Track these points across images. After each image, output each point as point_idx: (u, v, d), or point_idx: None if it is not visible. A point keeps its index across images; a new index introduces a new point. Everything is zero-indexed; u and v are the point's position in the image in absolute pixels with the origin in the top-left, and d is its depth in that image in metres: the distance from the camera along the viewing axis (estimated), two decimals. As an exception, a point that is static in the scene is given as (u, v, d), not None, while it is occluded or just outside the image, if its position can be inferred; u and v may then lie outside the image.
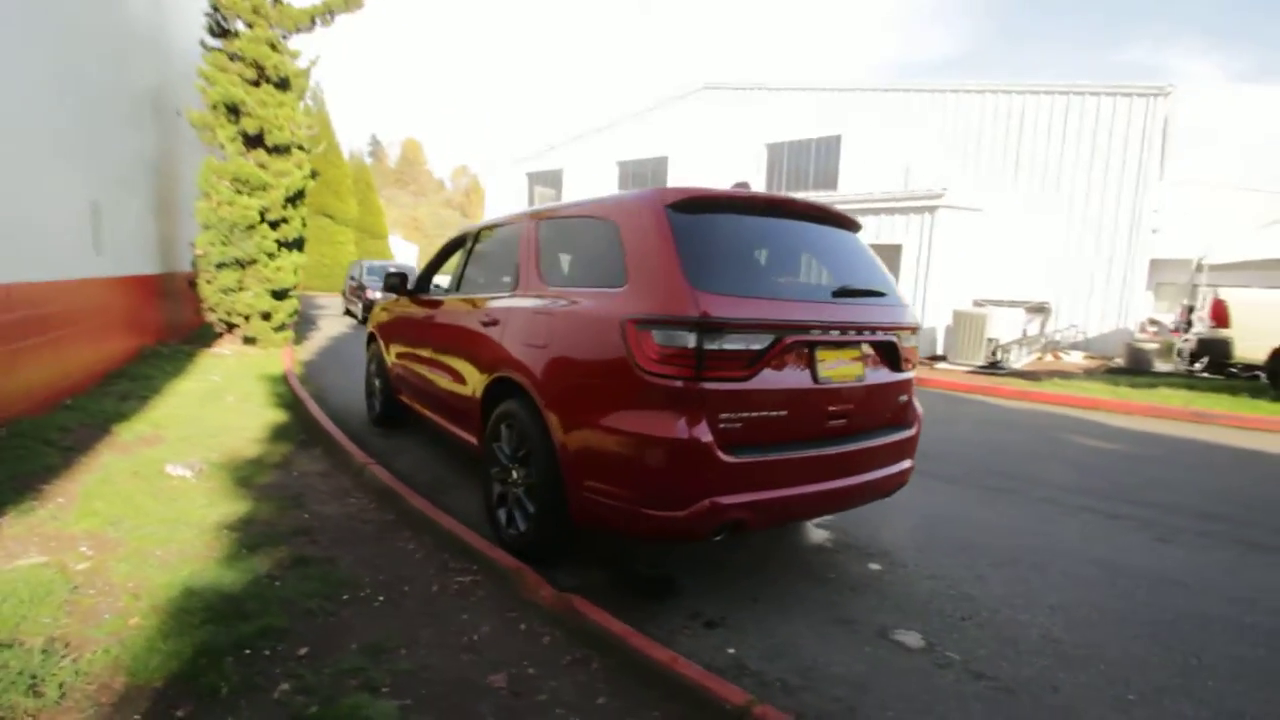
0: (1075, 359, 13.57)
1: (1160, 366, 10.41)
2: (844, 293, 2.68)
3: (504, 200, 26.42)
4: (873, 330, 2.72)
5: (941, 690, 2.15)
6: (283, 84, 8.25)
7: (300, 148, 8.64)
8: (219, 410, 5.41)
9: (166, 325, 8.15)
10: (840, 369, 2.61)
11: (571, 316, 2.64)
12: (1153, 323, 15.91)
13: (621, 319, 2.37)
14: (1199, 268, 15.27)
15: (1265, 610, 2.80)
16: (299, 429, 5.04)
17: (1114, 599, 2.86)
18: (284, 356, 8.37)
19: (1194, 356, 8.17)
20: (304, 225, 9.05)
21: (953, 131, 15.65)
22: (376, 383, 5.43)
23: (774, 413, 2.43)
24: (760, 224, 2.66)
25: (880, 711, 2.03)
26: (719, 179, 19.74)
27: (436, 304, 4.16)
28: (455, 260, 4.32)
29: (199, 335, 9.00)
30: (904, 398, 3.01)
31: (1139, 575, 3.11)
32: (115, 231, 6.33)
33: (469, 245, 4.03)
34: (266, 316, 8.69)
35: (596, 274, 2.80)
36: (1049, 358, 13.45)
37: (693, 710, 1.87)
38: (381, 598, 2.46)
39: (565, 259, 3.05)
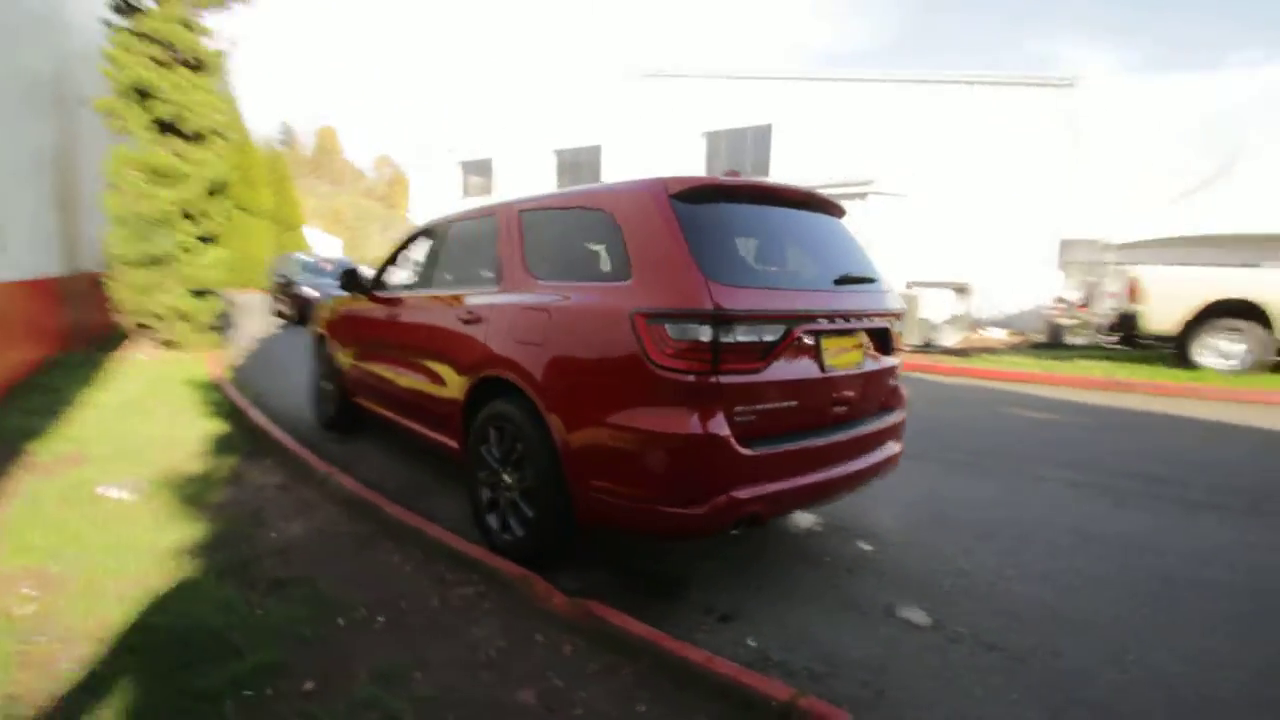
0: (998, 336, 14.40)
1: (1076, 340, 11.18)
2: (844, 280, 2.69)
3: (435, 191, 25.50)
4: (869, 317, 2.74)
5: (958, 665, 2.20)
6: (198, 66, 7.57)
7: (219, 135, 7.98)
8: (145, 422, 4.94)
9: (73, 331, 7.39)
10: (843, 357, 2.62)
11: (572, 312, 2.52)
12: (1060, 300, 17.08)
13: (630, 313, 2.28)
14: (1105, 247, 16.46)
15: (1221, 566, 3.02)
16: (243, 439, 4.67)
17: (1092, 564, 3.02)
18: (209, 361, 7.76)
19: (1112, 330, 8.79)
20: (228, 219, 8.39)
21: (880, 120, 16.20)
22: (326, 386, 5.10)
23: (785, 403, 2.41)
24: (759, 212, 2.62)
25: (906, 691, 2.05)
26: (658, 168, 19.72)
27: (402, 302, 3.92)
28: (420, 255, 4.08)
29: (110, 340, 8.21)
30: (893, 381, 3.07)
31: (1108, 541, 3.29)
32: (7, 230, 5.65)
33: (438, 239, 3.81)
34: (187, 318, 8.03)
35: (594, 267, 2.69)
36: (974, 335, 14.22)
37: (736, 709, 1.83)
38: (381, 618, 2.28)
39: (554, 252, 2.91)
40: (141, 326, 7.78)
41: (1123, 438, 5.53)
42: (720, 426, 2.21)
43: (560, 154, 22.28)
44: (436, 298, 3.54)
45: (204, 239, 8.04)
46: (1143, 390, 7.26)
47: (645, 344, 2.23)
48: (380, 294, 4.34)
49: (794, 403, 2.44)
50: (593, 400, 2.40)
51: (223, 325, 9.69)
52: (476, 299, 3.12)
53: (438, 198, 25.31)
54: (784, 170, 17.48)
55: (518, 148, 23.11)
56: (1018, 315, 15.38)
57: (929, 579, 2.84)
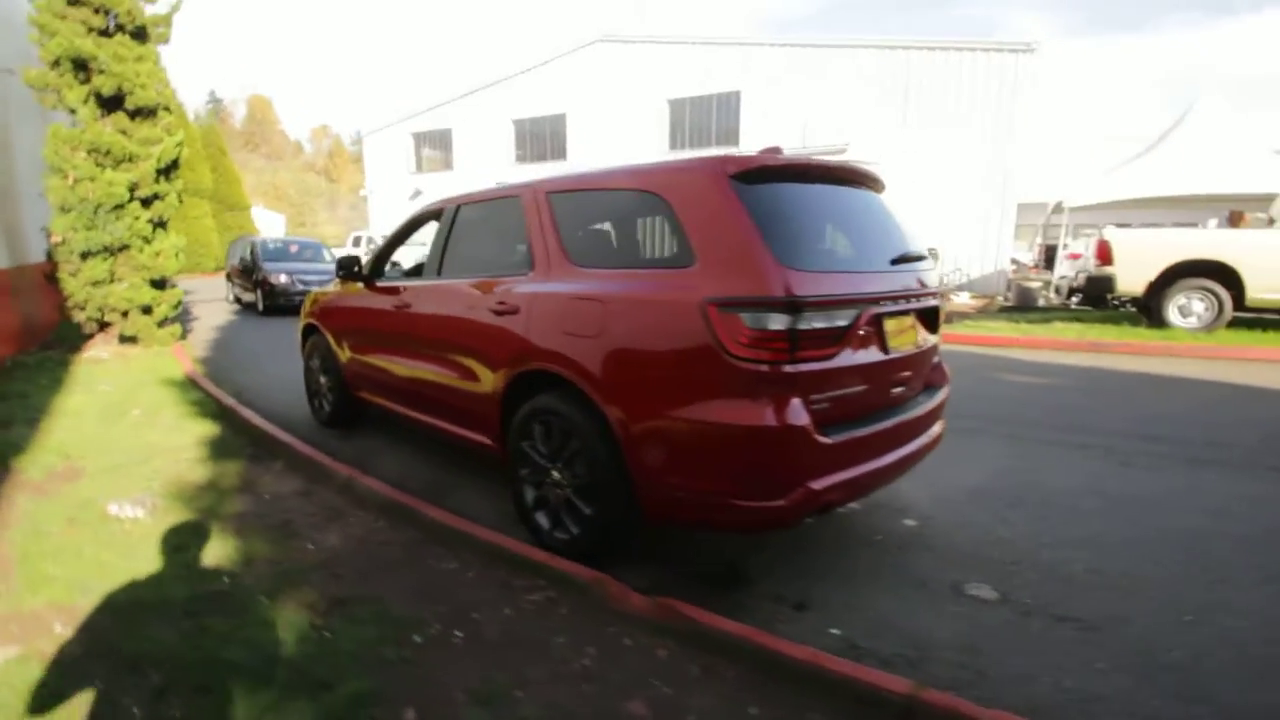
0: (964, 299, 14.80)
1: (1043, 302, 11.56)
2: (899, 260, 2.65)
3: (387, 163, 24.48)
4: (921, 297, 2.72)
5: (1040, 639, 2.25)
6: (139, 34, 6.95)
7: (167, 109, 7.39)
8: (130, 428, 4.64)
9: (23, 330, 6.84)
10: (901, 337, 2.60)
11: (631, 302, 2.41)
12: (1014, 262, 17.63)
13: (701, 302, 2.19)
14: (1058, 209, 17.00)
15: (1238, 520, 3.17)
16: (241, 441, 4.42)
17: (1120, 526, 3.13)
18: (177, 355, 7.33)
19: (1078, 291, 9.11)
20: (180, 201, 7.84)
21: (850, 86, 16.19)
22: (322, 380, 4.86)
23: (854, 389, 2.38)
24: (814, 191, 2.54)
25: (1002, 670, 2.08)
26: (621, 136, 19.35)
27: (411, 291, 3.72)
28: (422, 241, 3.88)
29: (64, 337, 7.65)
30: (937, 359, 3.07)
31: (1128, 500, 3.42)
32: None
33: (448, 222, 3.60)
34: (148, 310, 7.53)
35: (644, 253, 2.59)
36: (945, 301, 14.58)
37: (854, 706, 1.82)
38: (458, 633, 2.19)
39: (595, 237, 2.79)
40: (98, 322, 7.27)
41: (1115, 399, 5.75)
42: (800, 416, 2.17)
43: (519, 123, 21.61)
44: (456, 287, 3.37)
45: (157, 224, 7.51)
46: (1115, 350, 7.57)
47: (719, 334, 2.16)
48: (382, 283, 4.13)
49: (862, 387, 2.42)
50: (660, 394, 2.32)
51: (181, 317, 9.15)
52: (510, 288, 2.97)
53: (391, 170, 24.31)
54: (754, 138, 17.37)
55: (474, 117, 22.30)
56: (980, 279, 15.82)
57: (977, 551, 2.89)
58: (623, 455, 2.47)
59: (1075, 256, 12.86)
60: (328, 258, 13.47)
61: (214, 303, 14.25)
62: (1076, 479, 3.77)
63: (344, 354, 4.44)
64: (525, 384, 2.89)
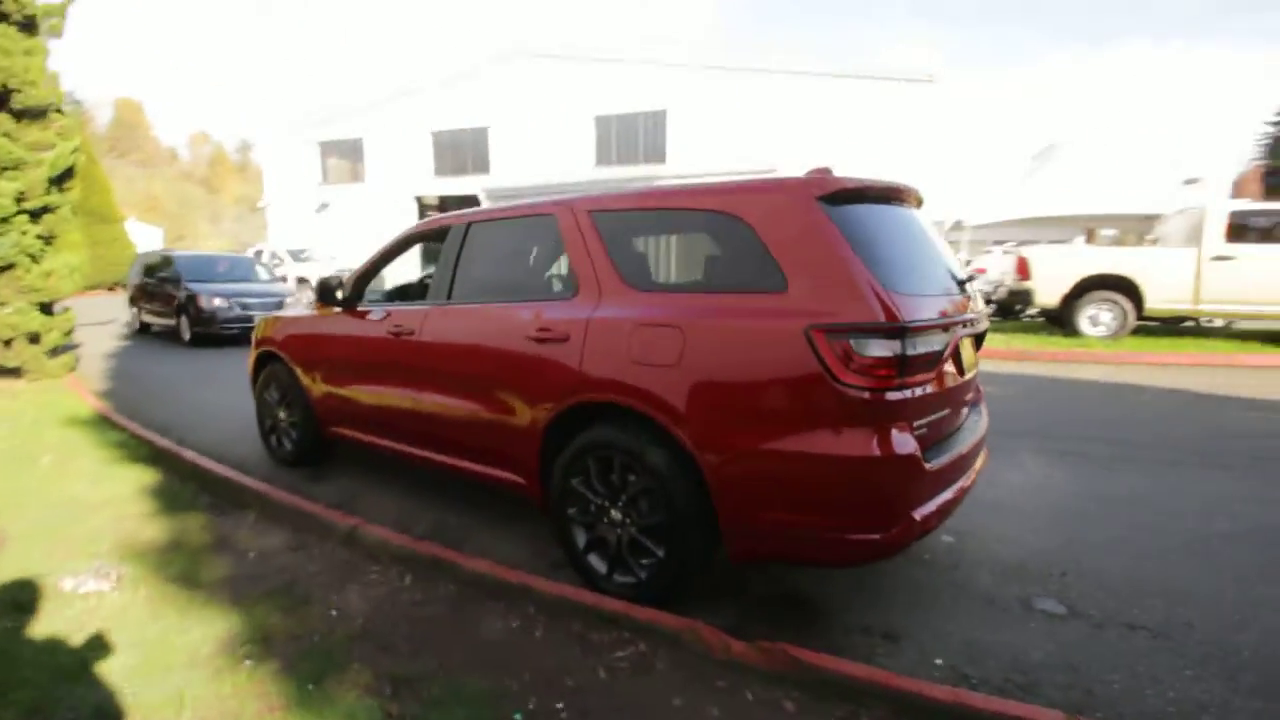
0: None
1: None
2: (964, 281, 2.68)
3: (289, 173, 22.83)
4: (979, 318, 2.76)
5: (1124, 651, 2.29)
6: (28, 25, 6.05)
7: (59, 112, 6.48)
8: (45, 479, 3.94)
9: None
10: (969, 358, 2.62)
11: (719, 329, 2.27)
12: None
13: (806, 329, 2.09)
14: (958, 227, 18.45)
15: (1234, 518, 3.42)
16: (191, 489, 3.85)
17: (1135, 531, 3.30)
18: (75, 390, 6.37)
19: (992, 303, 9.85)
20: (73, 213, 6.88)
21: (775, 108, 16.84)
22: (282, 415, 4.35)
23: (943, 412, 2.36)
24: (888, 213, 2.52)
25: (1105, 686, 2.10)
26: (547, 152, 19.11)
27: (412, 316, 3.38)
28: (426, 258, 3.55)
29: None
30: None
31: (1131, 504, 3.63)
32: None
33: (457, 242, 3.31)
34: (35, 339, 6.52)
35: (719, 277, 2.46)
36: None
37: (1009, 745, 1.76)
38: (559, 705, 1.94)
39: (654, 259, 2.63)
40: (-27, 353, 6.19)
41: (1063, 405, 6.19)
42: (910, 444, 2.11)
43: (438, 135, 20.83)
44: (477, 312, 3.09)
45: (48, 239, 6.54)
46: (1044, 358, 8.22)
47: (828, 361, 2.07)
48: (368, 308, 3.74)
49: (947, 410, 2.41)
50: (756, 425, 2.19)
51: (71, 344, 8.01)
52: (550, 314, 2.75)
53: (292, 181, 22.71)
54: (681, 157, 17.66)
55: (388, 127, 21.29)
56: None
57: (1023, 563, 2.95)
58: (706, 491, 2.32)
59: (981, 271, 13.94)
60: (263, 275, 11.89)
61: (93, 327, 12.60)
62: (1070, 484, 3.97)
63: (316, 386, 3.98)
64: (573, 418, 2.68)
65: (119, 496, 3.68)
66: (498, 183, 17.51)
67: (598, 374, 2.52)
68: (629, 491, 2.51)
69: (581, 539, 2.69)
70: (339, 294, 3.77)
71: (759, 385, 2.19)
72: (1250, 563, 2.94)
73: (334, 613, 2.48)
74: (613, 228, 2.72)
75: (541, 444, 2.76)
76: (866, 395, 2.06)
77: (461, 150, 20.44)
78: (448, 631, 2.35)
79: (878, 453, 2.06)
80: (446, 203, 24.99)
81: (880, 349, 2.06)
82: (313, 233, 22.04)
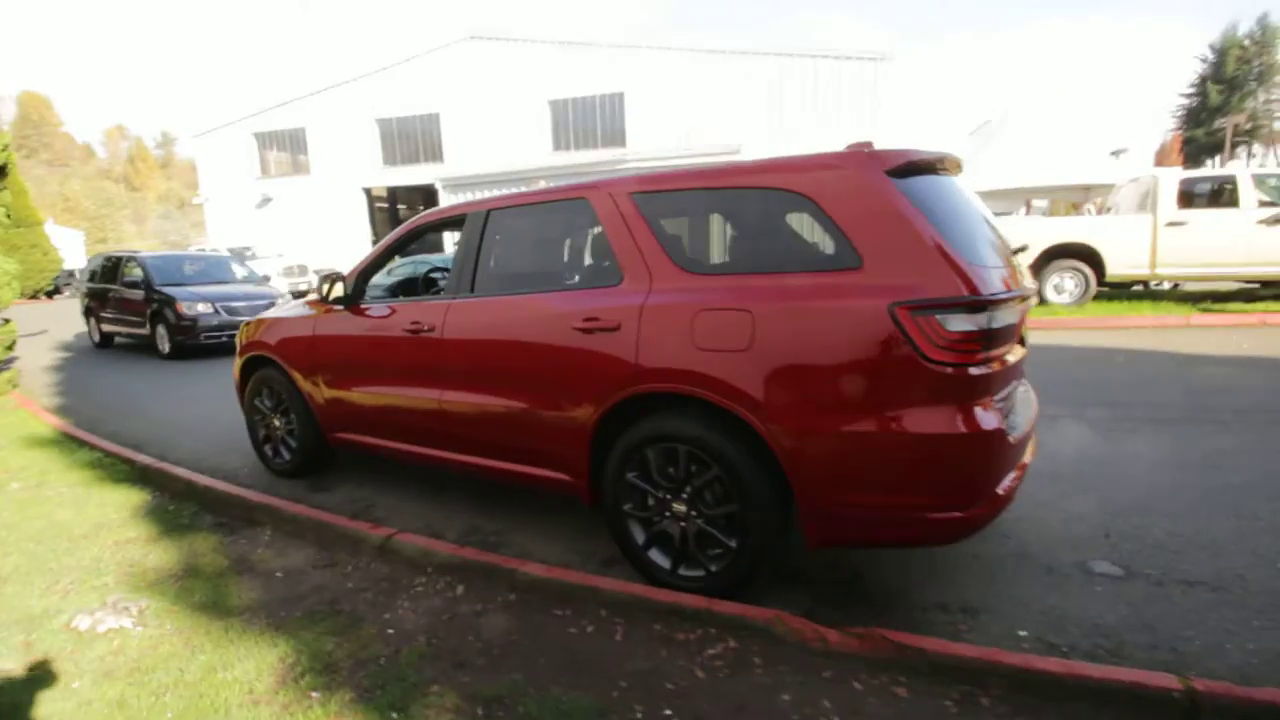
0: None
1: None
2: (1017, 250, 2.67)
3: (225, 167, 21.59)
4: (1033, 289, 2.75)
5: (1191, 607, 2.35)
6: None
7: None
8: (20, 506, 3.60)
9: None
10: (1024, 330, 2.62)
11: (794, 310, 2.18)
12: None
13: (890, 306, 2.03)
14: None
15: (1232, 469, 3.58)
16: (189, 509, 3.58)
17: (1156, 489, 3.39)
18: (27, 407, 5.86)
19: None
20: (8, 217, 6.29)
21: (735, 89, 16.78)
22: (277, 423, 4.08)
23: (1012, 385, 2.36)
24: (945, 184, 2.46)
25: (1187, 644, 2.13)
26: (502, 137, 18.61)
27: (429, 311, 3.18)
28: (441, 249, 3.34)
29: None
30: None
31: (1142, 464, 3.75)
32: None
33: (476, 231, 3.12)
34: (-27, 355, 5.95)
35: (791, 255, 2.37)
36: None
37: (1128, 711, 1.76)
38: (667, 711, 1.85)
39: (707, 240, 2.53)
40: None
41: (1040, 371, 6.28)
42: (995, 418, 2.09)
43: (385, 123, 20.02)
44: (508, 304, 2.92)
45: (-20, 246, 5.97)
46: (1018, 325, 8.47)
47: (914, 338, 2.02)
48: (375, 306, 3.52)
49: (1015, 383, 2.40)
50: (839, 407, 2.13)
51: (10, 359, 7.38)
52: (595, 302, 2.61)
53: (229, 174, 21.49)
54: (642, 140, 17.46)
55: (330, 116, 20.32)
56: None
57: (1068, 528, 3.00)
58: (781, 477, 2.26)
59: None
60: (240, 274, 10.74)
61: (24, 339, 11.64)
62: (1079, 449, 4.08)
63: (318, 391, 3.74)
64: (627, 410, 2.57)
65: (109, 521, 3.38)
66: (453, 171, 16.96)
67: (657, 363, 2.41)
68: (695, 483, 2.42)
69: (640, 535, 2.60)
70: (342, 292, 3.53)
71: (840, 366, 2.13)
72: (1270, 511, 3.07)
73: (391, 631, 2.32)
74: (657, 209, 2.60)
75: (592, 439, 2.65)
76: (952, 371, 2.02)
77: (411, 139, 19.70)
78: (522, 642, 2.22)
79: (966, 429, 2.03)
80: (397, 194, 24.13)
81: (965, 324, 2.02)
82: (255, 229, 20.95)
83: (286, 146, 21.22)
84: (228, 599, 2.59)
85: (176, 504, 3.66)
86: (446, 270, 4.34)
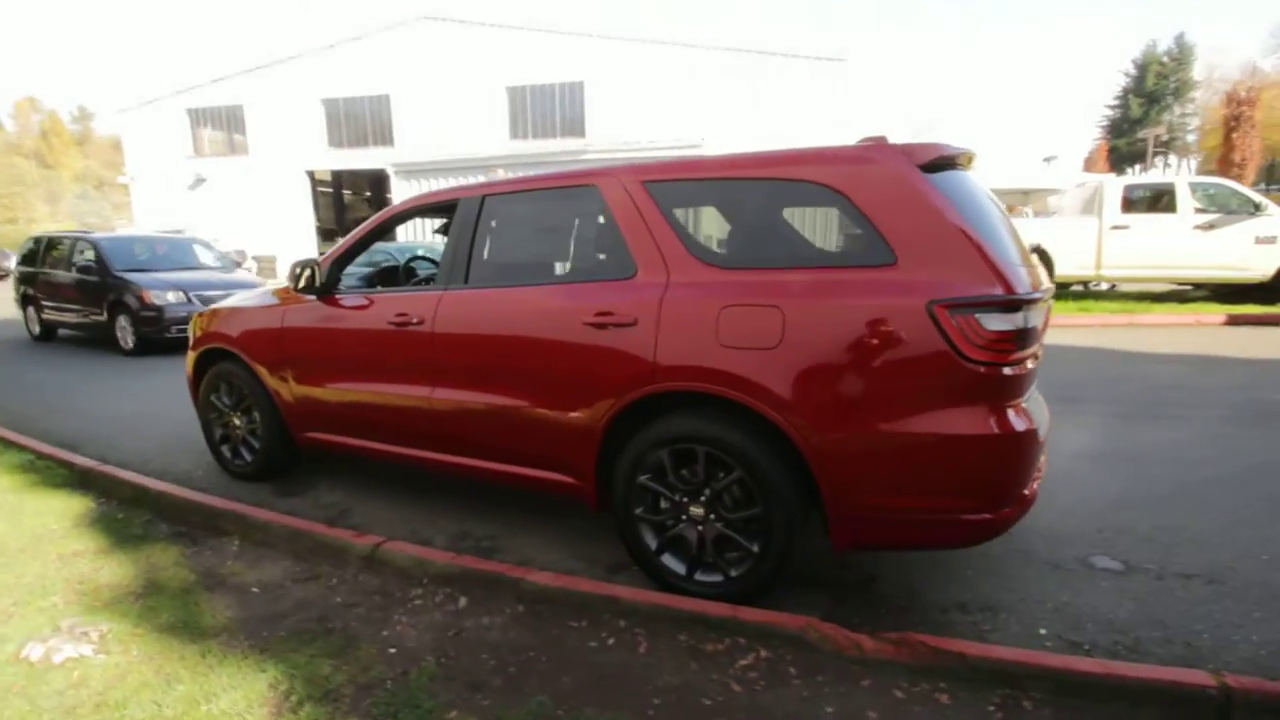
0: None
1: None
2: (1034, 249, 2.67)
3: (155, 144, 20.18)
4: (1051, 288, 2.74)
5: (1191, 599, 2.40)
6: None
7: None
8: (-63, 520, 3.19)
9: None
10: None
11: (826, 307, 2.11)
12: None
13: (928, 304, 1.98)
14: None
15: (1208, 462, 3.74)
16: (141, 516, 3.26)
17: (1134, 483, 3.46)
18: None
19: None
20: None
21: (696, 82, 16.72)
22: (237, 422, 3.78)
23: (1034, 385, 2.35)
24: (966, 179, 2.43)
25: (1197, 637, 2.17)
26: (457, 122, 18.05)
27: (417, 303, 2.98)
28: (419, 237, 3.13)
29: None
30: None
31: (1116, 459, 3.86)
32: None
33: (470, 218, 2.92)
34: None
35: (819, 250, 2.30)
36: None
37: (1166, 709, 1.77)
38: (708, 730, 1.76)
39: (727, 232, 2.42)
40: None
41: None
42: (1026, 419, 2.08)
43: (331, 103, 19.08)
44: (509, 297, 2.75)
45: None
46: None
47: (953, 338, 1.97)
48: (352, 296, 3.28)
49: (1035, 382, 2.40)
50: (871, 407, 2.07)
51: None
52: (607, 296, 2.48)
53: (159, 152, 20.10)
54: (601, 131, 17.21)
55: (271, 94, 19.23)
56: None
57: (1062, 523, 3.04)
58: (807, 479, 2.19)
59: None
60: (210, 260, 9.56)
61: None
62: (1056, 442, 4.18)
63: (287, 387, 3.46)
64: (640, 409, 2.45)
65: (50, 533, 3.04)
66: (406, 156, 16.30)
67: (677, 360, 2.30)
68: (715, 485, 2.33)
69: (653, 540, 2.49)
70: (315, 280, 3.26)
71: (874, 365, 2.07)
72: (1241, 503, 3.20)
73: (393, 650, 2.14)
74: (673, 199, 2.49)
75: (602, 441, 2.52)
76: (988, 371, 2.00)
77: (359, 120, 18.84)
78: (540, 659, 2.08)
79: (1002, 430, 2.01)
80: (342, 177, 23.11)
81: (1002, 323, 1.99)
82: (187, 211, 19.67)
83: (223, 124, 19.94)
84: (200, 618, 2.35)
85: (125, 511, 3.33)
86: (425, 258, 4.11)
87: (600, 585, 2.38)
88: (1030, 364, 2.16)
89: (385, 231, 3.34)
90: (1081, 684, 1.83)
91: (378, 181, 26.67)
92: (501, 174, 15.34)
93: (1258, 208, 8.48)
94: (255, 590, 2.56)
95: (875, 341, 2.06)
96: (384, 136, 19.12)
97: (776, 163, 2.33)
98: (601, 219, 2.61)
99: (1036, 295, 2.08)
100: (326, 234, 21.92)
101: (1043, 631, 2.25)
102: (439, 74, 17.97)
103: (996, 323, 1.98)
